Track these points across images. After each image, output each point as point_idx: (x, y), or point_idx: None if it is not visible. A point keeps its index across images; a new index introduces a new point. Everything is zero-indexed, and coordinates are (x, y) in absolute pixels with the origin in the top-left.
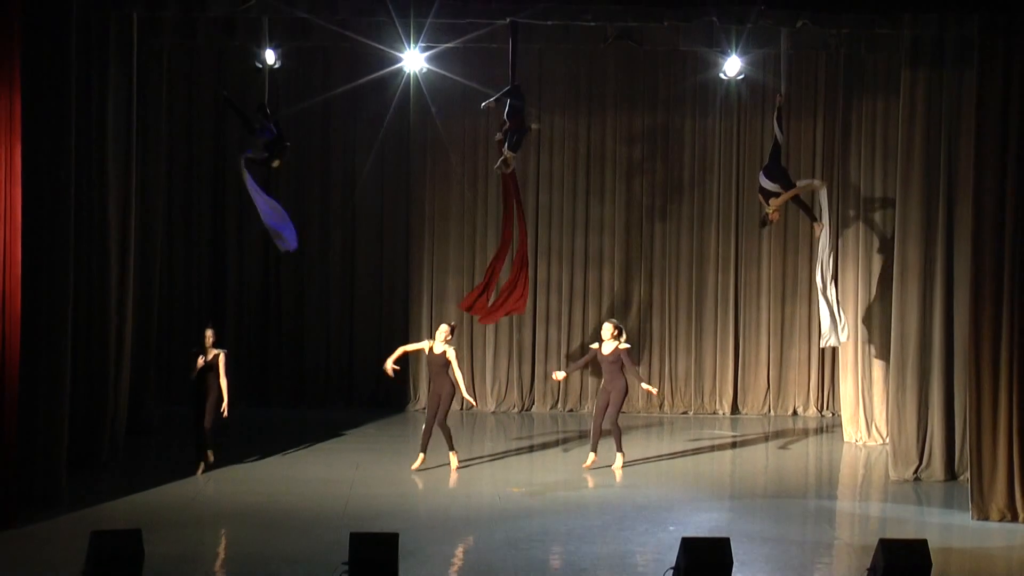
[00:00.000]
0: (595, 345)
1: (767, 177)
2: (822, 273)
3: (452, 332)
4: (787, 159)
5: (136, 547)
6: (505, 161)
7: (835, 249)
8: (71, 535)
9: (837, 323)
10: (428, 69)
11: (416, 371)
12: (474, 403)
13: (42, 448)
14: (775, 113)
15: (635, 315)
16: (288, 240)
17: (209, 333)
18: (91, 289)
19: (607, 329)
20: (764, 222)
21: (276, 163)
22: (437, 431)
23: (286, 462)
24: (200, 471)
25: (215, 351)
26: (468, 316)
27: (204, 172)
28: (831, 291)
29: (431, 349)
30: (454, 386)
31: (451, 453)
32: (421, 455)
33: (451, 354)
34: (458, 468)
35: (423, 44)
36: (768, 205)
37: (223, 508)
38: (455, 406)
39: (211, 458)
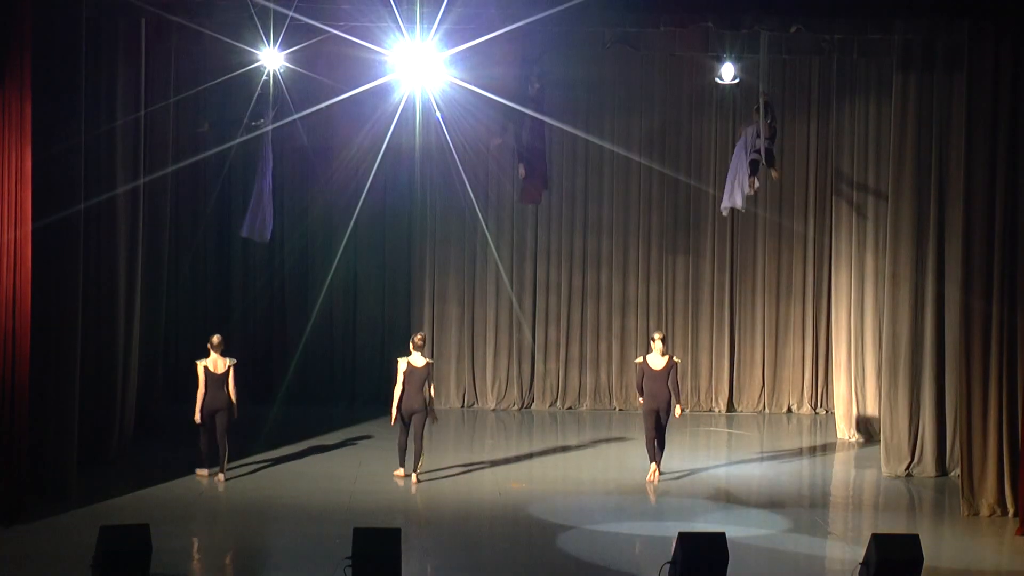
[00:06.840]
0: (640, 359)
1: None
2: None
3: (423, 340)
4: (780, 160)
5: (144, 541)
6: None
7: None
8: (80, 530)
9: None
10: (431, 73)
11: None
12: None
13: (52, 445)
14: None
15: (632, 314)
16: (267, 228)
17: (217, 339)
18: (100, 289)
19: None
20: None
21: (260, 120)
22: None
23: (291, 458)
24: (209, 476)
25: (227, 361)
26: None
27: (210, 172)
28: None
29: (410, 364)
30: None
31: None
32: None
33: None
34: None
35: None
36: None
37: (230, 503)
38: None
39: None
